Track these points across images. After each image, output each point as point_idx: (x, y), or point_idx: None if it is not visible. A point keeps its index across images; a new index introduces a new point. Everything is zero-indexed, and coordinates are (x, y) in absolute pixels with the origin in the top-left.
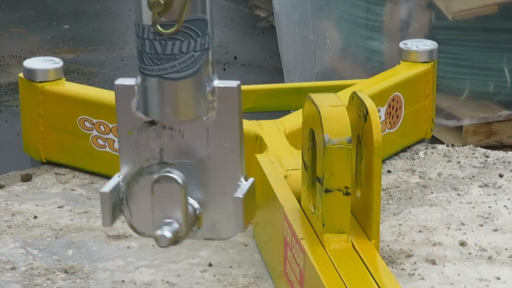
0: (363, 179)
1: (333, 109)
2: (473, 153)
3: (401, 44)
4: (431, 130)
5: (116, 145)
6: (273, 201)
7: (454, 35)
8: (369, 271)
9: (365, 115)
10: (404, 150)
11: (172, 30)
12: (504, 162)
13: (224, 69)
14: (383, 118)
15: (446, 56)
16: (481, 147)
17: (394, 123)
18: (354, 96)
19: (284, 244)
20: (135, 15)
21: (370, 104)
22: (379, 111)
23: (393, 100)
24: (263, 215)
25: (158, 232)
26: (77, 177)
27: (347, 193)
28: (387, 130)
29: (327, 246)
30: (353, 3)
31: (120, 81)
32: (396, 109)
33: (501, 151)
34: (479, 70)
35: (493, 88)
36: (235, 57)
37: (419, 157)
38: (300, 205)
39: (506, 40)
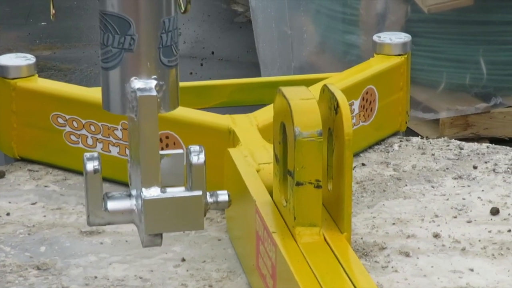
0: (335, 172)
1: (303, 102)
2: (448, 145)
3: (375, 37)
4: (406, 122)
5: (89, 141)
6: (246, 195)
7: (430, 28)
8: (340, 264)
9: (336, 108)
10: (378, 143)
11: None
12: (478, 154)
13: (202, 64)
14: (356, 111)
15: (423, 49)
16: (458, 139)
17: (368, 116)
18: (325, 89)
19: (257, 238)
20: None
21: (340, 97)
22: (352, 104)
23: (367, 93)
24: (236, 209)
25: None
26: (51, 173)
27: (318, 186)
28: (361, 123)
29: (298, 240)
30: None
31: None
32: (370, 102)
33: (476, 143)
34: (455, 62)
35: (470, 80)
36: (213, 52)
37: (393, 149)
38: (272, 199)
39: (482, 32)
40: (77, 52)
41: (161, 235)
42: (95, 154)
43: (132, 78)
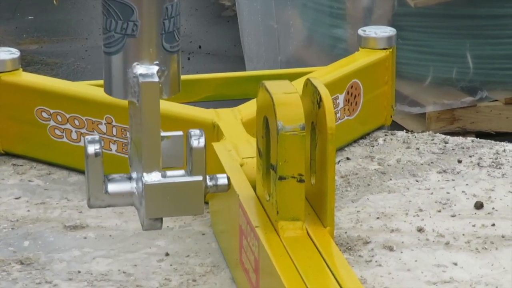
0: (318, 166)
1: (286, 96)
2: (432, 139)
3: (360, 31)
4: (391, 116)
5: (73, 135)
6: (229, 190)
7: (417, 22)
8: (323, 258)
9: (319, 102)
10: (363, 137)
11: None
12: (463, 148)
13: (189, 58)
14: (341, 105)
15: (409, 43)
16: (444, 133)
17: (353, 110)
18: (308, 83)
19: (240, 233)
20: None
21: (323, 91)
22: (337, 98)
23: (352, 87)
24: (219, 203)
25: None
26: (35, 168)
27: (301, 180)
28: (346, 117)
29: (281, 234)
30: None
31: None
32: (355, 96)
33: (460, 137)
34: (442, 56)
35: (456, 74)
36: (200, 46)
37: (378, 143)
38: (256, 193)
39: (468, 26)
40: (64, 46)
41: (161, 219)
42: (96, 137)
43: (134, 64)
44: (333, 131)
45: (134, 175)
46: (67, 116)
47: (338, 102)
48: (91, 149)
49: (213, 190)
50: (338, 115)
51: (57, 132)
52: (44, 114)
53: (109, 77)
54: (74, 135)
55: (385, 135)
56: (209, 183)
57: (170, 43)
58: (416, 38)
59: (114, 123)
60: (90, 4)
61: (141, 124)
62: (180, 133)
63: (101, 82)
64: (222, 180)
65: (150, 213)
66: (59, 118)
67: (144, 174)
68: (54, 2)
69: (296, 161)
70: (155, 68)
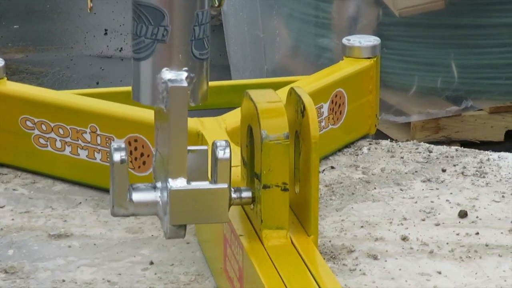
0: (302, 174)
1: (270, 105)
2: (417, 148)
3: (344, 40)
4: (375, 125)
5: (58, 144)
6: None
7: (402, 31)
8: (307, 267)
9: (303, 111)
10: (348, 146)
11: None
12: (447, 156)
13: None
14: (326, 114)
15: (394, 52)
16: (429, 142)
17: (338, 119)
18: (292, 92)
19: (224, 241)
20: None
21: (307, 100)
22: (322, 107)
23: (336, 96)
24: None
25: None
26: (19, 176)
27: (285, 189)
28: (330, 126)
29: (265, 243)
30: (302, 1)
31: None
32: (339, 105)
33: (444, 146)
34: (426, 66)
35: (441, 84)
36: None
37: (362, 152)
38: None
39: (453, 36)
40: (49, 55)
41: (184, 226)
42: (122, 145)
43: (164, 69)
44: (317, 140)
45: (158, 184)
46: (52, 125)
47: (323, 111)
48: (117, 156)
49: (237, 202)
50: (323, 124)
51: (42, 141)
52: (28, 123)
53: (138, 83)
54: (58, 144)
55: (370, 144)
56: (233, 195)
57: (199, 50)
58: (401, 47)
59: (98, 132)
60: (75, 14)
61: (168, 129)
62: (205, 147)
63: (86, 91)
64: (246, 193)
65: (174, 220)
66: (44, 127)
67: (170, 180)
68: (88, 10)
69: (280, 170)
70: (184, 74)
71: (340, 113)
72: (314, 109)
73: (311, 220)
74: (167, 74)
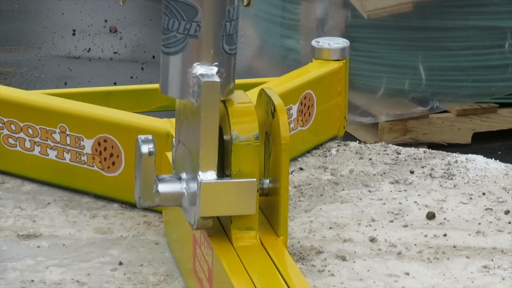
0: (271, 175)
1: (240, 106)
2: (385, 150)
3: (313, 42)
4: (344, 127)
5: (27, 144)
6: None
7: (370, 33)
8: (277, 268)
9: (273, 112)
10: (316, 147)
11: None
12: (415, 158)
13: (142, 69)
14: (295, 115)
15: (362, 54)
16: (397, 144)
17: (306, 120)
18: (262, 93)
19: (194, 242)
20: None
21: (277, 101)
22: (291, 108)
23: (305, 97)
24: (173, 213)
25: None
26: None
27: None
28: (299, 128)
29: (235, 243)
30: (269, 2)
31: None
32: (308, 107)
33: (412, 148)
34: (394, 68)
35: (409, 85)
36: (153, 56)
37: (331, 154)
38: None
39: (421, 38)
40: (17, 55)
41: (212, 218)
42: (150, 137)
43: (194, 64)
44: (287, 141)
45: (183, 176)
46: (21, 124)
47: (292, 113)
48: (145, 148)
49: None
50: (292, 125)
51: (11, 141)
52: None
53: (167, 76)
54: (28, 144)
55: (338, 145)
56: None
57: (229, 45)
58: (369, 49)
59: (68, 132)
60: (44, 14)
61: (200, 123)
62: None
63: (56, 91)
64: (266, 184)
65: (204, 212)
66: (13, 127)
67: (200, 173)
68: (121, 3)
69: (250, 171)
70: (214, 69)
71: (309, 115)
72: (284, 110)
73: (281, 221)
74: (199, 69)
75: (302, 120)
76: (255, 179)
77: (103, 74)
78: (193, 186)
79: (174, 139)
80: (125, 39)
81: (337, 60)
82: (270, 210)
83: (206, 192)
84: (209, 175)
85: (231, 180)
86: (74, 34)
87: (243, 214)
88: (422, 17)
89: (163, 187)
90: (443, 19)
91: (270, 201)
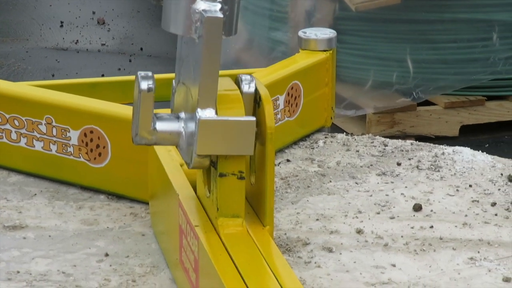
0: (257, 165)
1: (227, 93)
2: (372, 142)
3: (300, 33)
4: (331, 118)
5: (13, 135)
6: (169, 190)
7: (358, 26)
8: (263, 257)
9: (259, 102)
10: (303, 139)
11: None
12: (402, 150)
13: (130, 61)
14: (282, 106)
15: (350, 47)
16: (384, 137)
17: (293, 111)
18: None
19: (180, 232)
20: None
21: (263, 91)
22: (278, 99)
23: (292, 88)
24: (160, 204)
25: None
26: None
27: (241, 178)
28: (286, 119)
29: (221, 231)
30: None
31: None
32: (295, 98)
33: (400, 140)
34: (382, 60)
35: (396, 78)
36: (141, 49)
37: (318, 146)
38: (196, 193)
39: (408, 31)
40: (4, 47)
41: (209, 157)
42: (149, 73)
43: (198, 0)
44: (272, 131)
45: (182, 115)
46: (7, 116)
47: (279, 103)
48: (144, 84)
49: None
50: (279, 116)
51: None
52: None
53: (169, 12)
54: (14, 136)
55: (325, 137)
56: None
57: None
58: (356, 42)
59: (54, 124)
60: (31, 5)
61: (201, 59)
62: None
63: (41, 82)
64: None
65: (201, 150)
66: None
67: (199, 110)
68: None
69: (236, 159)
70: (218, 5)
71: (296, 106)
72: (270, 99)
73: (267, 211)
74: (202, 4)
75: (289, 111)
76: (254, 118)
77: (91, 66)
78: (191, 125)
79: (173, 81)
80: (113, 31)
81: (324, 50)
82: (256, 200)
83: (204, 129)
84: (207, 112)
85: (230, 118)
86: (61, 26)
87: (240, 154)
88: (410, 9)
89: (160, 125)
90: (429, 12)
91: (256, 190)
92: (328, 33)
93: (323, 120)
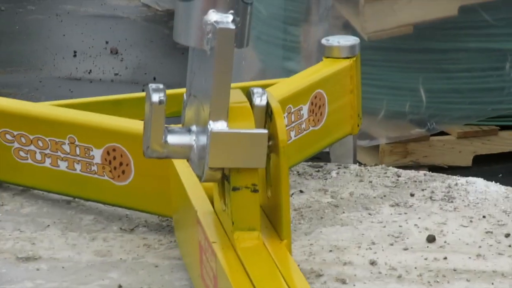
0: (272, 178)
1: (237, 105)
2: (385, 173)
3: (323, 41)
4: (358, 125)
5: (37, 156)
6: (188, 205)
7: (370, 55)
8: (279, 271)
9: (270, 115)
10: (316, 170)
11: None
12: (415, 181)
13: (143, 90)
14: (306, 116)
15: (363, 76)
16: (397, 167)
17: (318, 120)
18: None
19: (200, 248)
20: None
21: (275, 104)
22: (301, 109)
23: (316, 97)
24: (181, 219)
25: None
26: None
27: (255, 190)
28: (311, 128)
29: (237, 245)
30: (270, 24)
31: None
32: (319, 106)
33: (412, 170)
34: (395, 90)
35: (409, 108)
36: (154, 78)
37: (331, 176)
38: (213, 208)
39: (421, 60)
40: (18, 77)
41: (221, 170)
42: (160, 86)
43: (210, 11)
44: (285, 144)
45: (193, 128)
46: (31, 137)
47: (302, 113)
48: (156, 97)
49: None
50: (303, 126)
51: (22, 153)
52: (8, 136)
53: (181, 23)
54: (38, 156)
55: (338, 168)
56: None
57: None
58: (369, 71)
59: (77, 143)
60: (45, 35)
61: (213, 71)
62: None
63: (63, 102)
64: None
65: (213, 162)
66: (23, 140)
67: (211, 122)
68: None
69: (248, 172)
70: (230, 17)
71: (321, 115)
72: (281, 113)
73: (283, 224)
74: (214, 15)
75: (313, 120)
76: (266, 131)
77: (104, 95)
78: (203, 138)
79: (184, 95)
80: (126, 61)
81: (347, 57)
82: (273, 214)
83: (216, 141)
84: (219, 125)
85: (242, 131)
86: (75, 55)
87: (252, 167)
88: (422, 39)
89: (172, 138)
90: (442, 41)
91: (272, 204)
92: (351, 40)
93: (349, 128)
